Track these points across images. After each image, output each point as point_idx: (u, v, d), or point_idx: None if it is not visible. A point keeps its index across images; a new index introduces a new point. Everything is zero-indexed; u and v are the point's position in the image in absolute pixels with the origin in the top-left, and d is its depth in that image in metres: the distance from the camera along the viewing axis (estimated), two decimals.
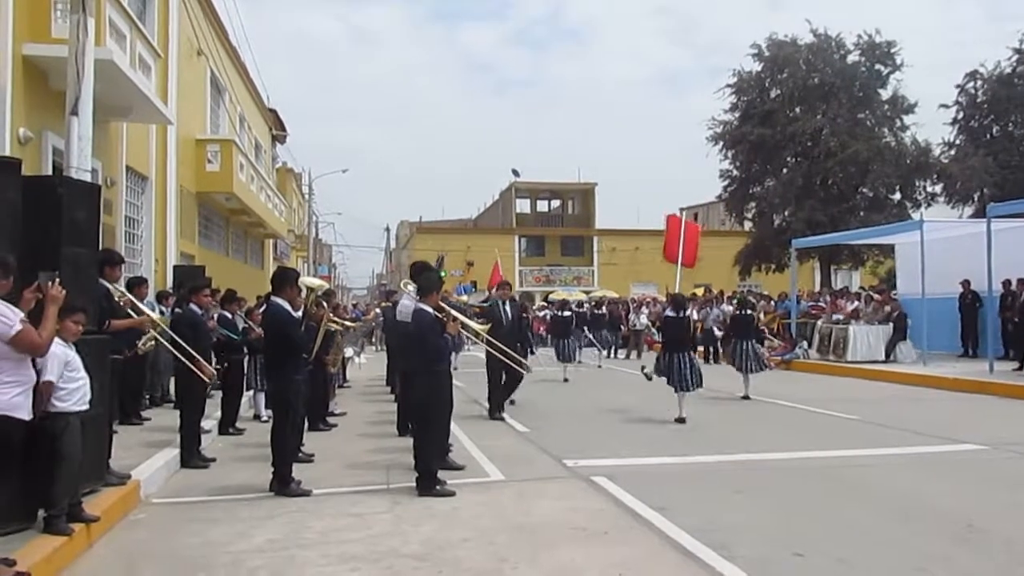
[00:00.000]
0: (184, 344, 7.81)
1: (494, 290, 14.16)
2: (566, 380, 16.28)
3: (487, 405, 11.38)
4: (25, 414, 4.40)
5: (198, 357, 7.81)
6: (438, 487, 6.65)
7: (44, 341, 4.44)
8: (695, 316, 21.32)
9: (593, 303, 26.26)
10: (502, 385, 11.35)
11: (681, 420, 10.52)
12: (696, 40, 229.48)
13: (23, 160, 5.94)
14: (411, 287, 8.34)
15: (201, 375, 7.85)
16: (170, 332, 8.04)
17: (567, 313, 19.04)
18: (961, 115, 32.98)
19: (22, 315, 4.33)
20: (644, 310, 26.79)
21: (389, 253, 74.17)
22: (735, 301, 15.98)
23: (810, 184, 31.93)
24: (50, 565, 4.63)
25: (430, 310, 6.97)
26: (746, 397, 13.08)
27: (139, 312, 7.73)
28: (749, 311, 14.31)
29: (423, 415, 7.01)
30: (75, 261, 5.82)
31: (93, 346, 5.81)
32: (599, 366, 20.59)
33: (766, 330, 19.87)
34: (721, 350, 19.04)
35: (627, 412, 11.76)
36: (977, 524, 5.57)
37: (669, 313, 11.67)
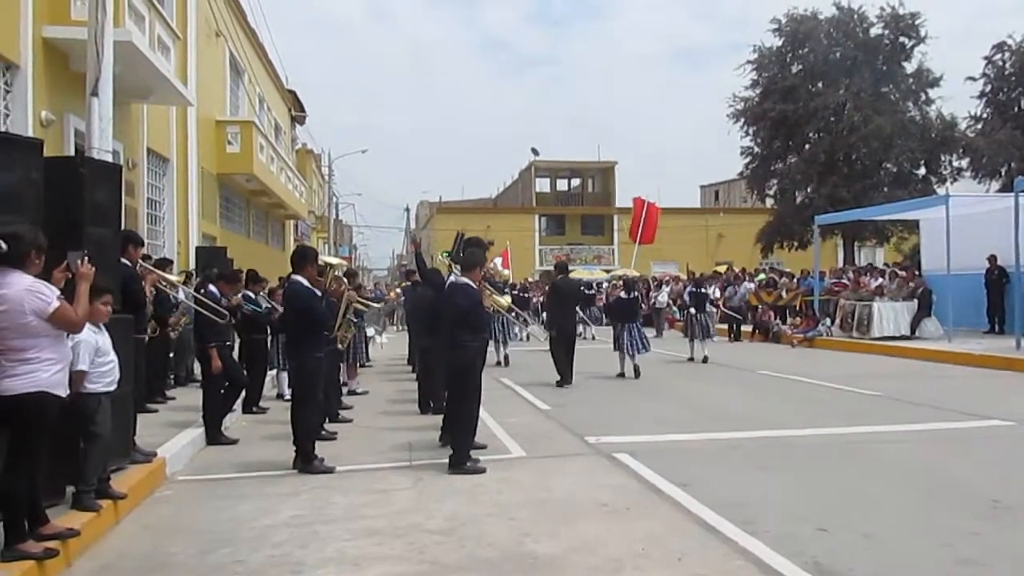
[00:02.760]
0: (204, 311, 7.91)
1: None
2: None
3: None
4: (63, 391, 4.47)
5: (220, 310, 7.92)
6: (469, 463, 6.67)
7: (80, 318, 4.51)
8: (717, 295, 21.90)
9: (585, 283, 28.42)
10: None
11: (621, 375, 12.99)
12: (719, 14, 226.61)
13: (45, 143, 5.95)
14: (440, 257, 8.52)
15: (215, 360, 7.97)
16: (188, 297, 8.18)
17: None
18: (988, 88, 32.38)
19: (58, 292, 4.39)
20: (665, 288, 26.69)
21: (409, 233, 74.28)
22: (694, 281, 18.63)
23: (833, 160, 31.53)
24: (79, 541, 4.69)
25: (475, 285, 7.04)
26: (692, 359, 15.56)
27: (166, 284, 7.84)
28: (704, 290, 17.35)
29: (464, 389, 6.98)
30: (98, 241, 5.85)
31: (118, 325, 5.86)
32: (593, 336, 22.52)
33: (719, 305, 22.15)
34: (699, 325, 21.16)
35: (648, 390, 11.75)
36: (1003, 500, 5.51)
37: (621, 294, 14.10)
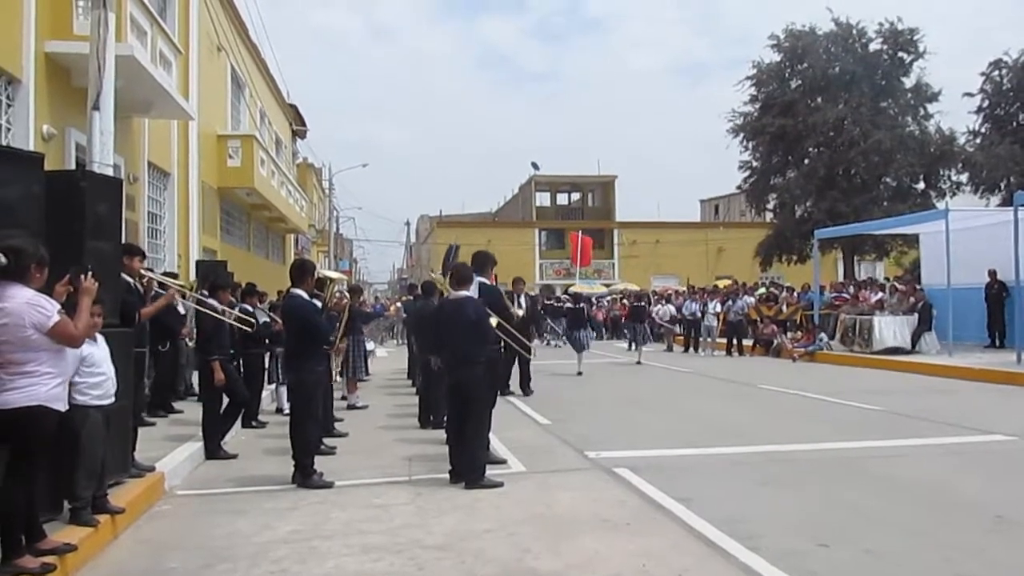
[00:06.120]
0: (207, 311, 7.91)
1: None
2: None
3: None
4: (62, 405, 4.45)
5: (233, 315, 7.91)
6: (487, 478, 6.63)
7: (80, 333, 4.48)
8: (718, 308, 21.89)
9: (555, 298, 29.97)
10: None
11: (579, 373, 15.54)
12: (718, 30, 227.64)
13: (47, 157, 5.96)
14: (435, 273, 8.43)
15: (218, 374, 7.97)
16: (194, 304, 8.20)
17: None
18: (986, 103, 32.47)
19: (59, 307, 4.38)
20: (670, 305, 26.67)
21: (409, 247, 74.39)
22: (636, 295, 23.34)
23: (832, 175, 31.60)
24: (77, 556, 4.66)
25: (474, 296, 7.10)
26: (639, 363, 18.18)
27: (166, 288, 7.83)
28: (642, 303, 20.85)
29: (490, 402, 6.94)
30: (98, 255, 5.84)
31: (116, 339, 5.84)
32: (558, 345, 24.94)
33: (657, 319, 24.73)
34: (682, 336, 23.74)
35: (649, 404, 11.72)
36: (1007, 515, 5.48)
37: (569, 304, 17.57)
